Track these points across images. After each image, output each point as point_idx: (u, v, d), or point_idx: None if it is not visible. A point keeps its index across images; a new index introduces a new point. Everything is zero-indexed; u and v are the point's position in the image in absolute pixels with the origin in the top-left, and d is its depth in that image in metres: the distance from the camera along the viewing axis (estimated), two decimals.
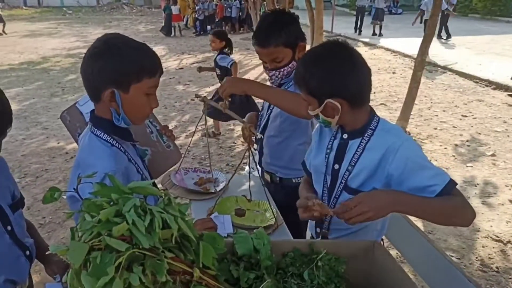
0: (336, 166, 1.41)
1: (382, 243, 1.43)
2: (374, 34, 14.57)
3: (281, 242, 1.28)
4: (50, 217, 3.53)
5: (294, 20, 1.88)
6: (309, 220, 1.65)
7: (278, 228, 1.79)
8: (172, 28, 16.27)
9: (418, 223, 2.48)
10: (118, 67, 1.19)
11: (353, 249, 1.23)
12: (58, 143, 5.33)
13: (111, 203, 0.86)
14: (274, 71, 1.85)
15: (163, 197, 0.90)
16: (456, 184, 1.25)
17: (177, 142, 1.65)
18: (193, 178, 2.18)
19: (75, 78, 8.97)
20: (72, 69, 9.84)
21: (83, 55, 1.24)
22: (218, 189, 2.04)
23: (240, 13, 17.32)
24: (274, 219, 1.80)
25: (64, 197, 1.02)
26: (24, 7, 26.18)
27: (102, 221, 0.79)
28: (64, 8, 25.97)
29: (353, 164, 1.35)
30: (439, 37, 13.09)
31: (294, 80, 1.41)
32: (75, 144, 5.18)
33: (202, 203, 1.96)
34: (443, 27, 13.01)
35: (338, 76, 1.28)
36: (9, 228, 1.17)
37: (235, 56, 11.64)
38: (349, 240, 1.38)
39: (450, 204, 1.22)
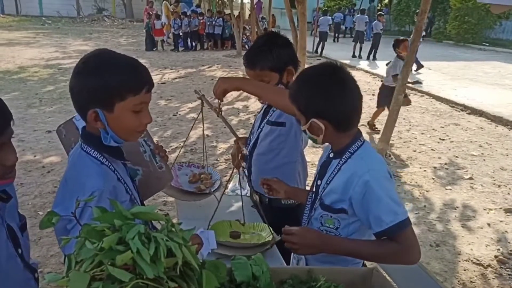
0: (319, 182, 1.45)
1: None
2: (354, 56, 14.90)
3: (279, 269, 1.26)
4: None
5: (287, 44, 1.91)
6: None
7: (273, 245, 1.73)
8: (155, 42, 16.21)
9: None
10: (98, 86, 1.15)
11: (351, 276, 1.22)
12: (35, 156, 5.14)
13: (111, 228, 0.82)
14: None
15: (166, 222, 0.86)
16: (406, 227, 1.26)
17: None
18: (187, 174, 2.16)
19: (53, 89, 8.75)
20: (50, 80, 9.58)
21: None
22: (212, 189, 2.02)
23: (222, 31, 17.37)
24: (271, 235, 1.74)
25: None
26: (1, 15, 25.55)
27: (105, 249, 0.75)
28: (43, 18, 25.42)
29: (328, 182, 1.39)
30: (367, 58, 14.22)
31: (288, 95, 1.42)
32: (52, 158, 5.10)
33: (190, 203, 2.01)
34: (374, 49, 14.14)
35: (324, 97, 1.30)
36: (20, 251, 1.10)
37: (217, 72, 11.72)
38: (347, 267, 1.37)
39: (381, 250, 1.31)
